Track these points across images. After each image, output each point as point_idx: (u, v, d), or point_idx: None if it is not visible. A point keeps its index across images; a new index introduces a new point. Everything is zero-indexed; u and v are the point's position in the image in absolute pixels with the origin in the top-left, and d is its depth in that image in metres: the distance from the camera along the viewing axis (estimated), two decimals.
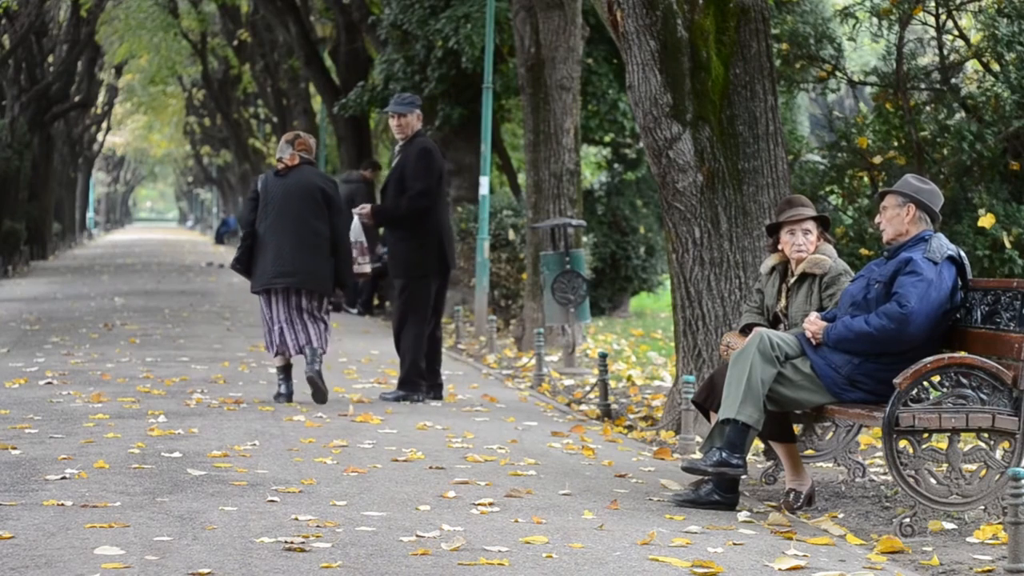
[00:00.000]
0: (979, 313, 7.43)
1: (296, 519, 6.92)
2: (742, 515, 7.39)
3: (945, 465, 7.08)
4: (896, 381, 7.08)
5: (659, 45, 9.84)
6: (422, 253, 11.69)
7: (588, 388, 12.80)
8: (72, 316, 20.73)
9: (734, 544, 6.66)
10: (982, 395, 7.09)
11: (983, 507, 7.14)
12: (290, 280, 11.36)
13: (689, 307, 10.00)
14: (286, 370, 11.60)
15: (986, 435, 7.12)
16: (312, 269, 11.39)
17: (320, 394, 11.40)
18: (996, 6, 11.87)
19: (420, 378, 11.81)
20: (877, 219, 7.78)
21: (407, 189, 11.62)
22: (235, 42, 41.60)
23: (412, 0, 21.71)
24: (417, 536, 6.61)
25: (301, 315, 11.49)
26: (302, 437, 9.63)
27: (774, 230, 8.32)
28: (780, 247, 8.26)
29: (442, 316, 12.09)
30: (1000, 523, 6.96)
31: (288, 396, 11.52)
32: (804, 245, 8.15)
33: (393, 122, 11.83)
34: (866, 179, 12.29)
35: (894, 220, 7.65)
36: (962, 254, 7.57)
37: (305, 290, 11.44)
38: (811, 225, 8.18)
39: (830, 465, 8.79)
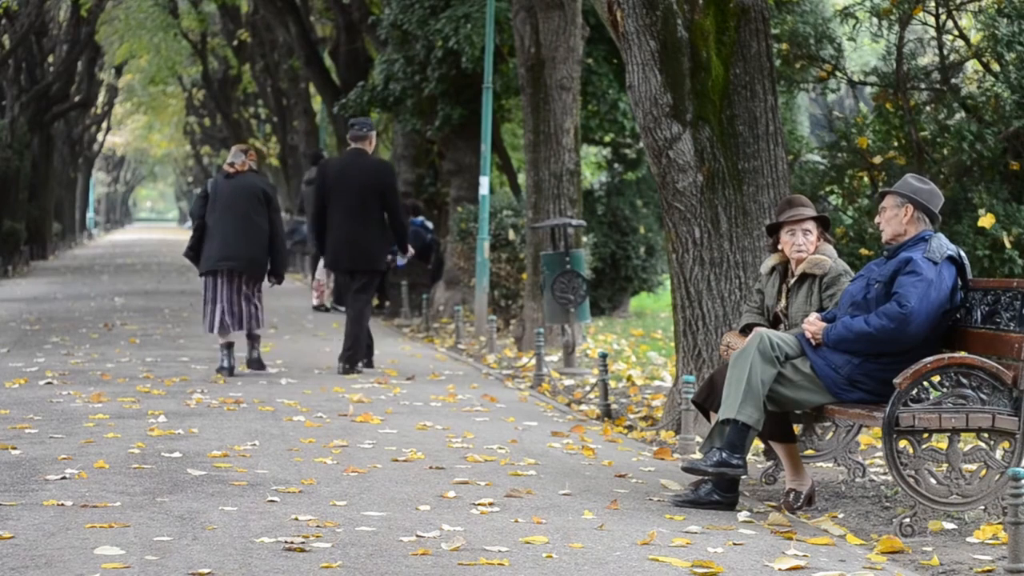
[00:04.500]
0: (979, 313, 7.42)
1: (296, 519, 6.92)
2: (742, 515, 7.39)
3: (945, 465, 7.07)
4: (896, 381, 7.07)
5: (659, 45, 9.83)
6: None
7: (588, 388, 12.80)
8: (72, 316, 20.73)
9: (734, 544, 6.66)
10: (982, 395, 7.08)
11: (983, 507, 7.13)
12: (233, 264, 13.27)
13: (689, 307, 10.00)
14: (228, 347, 13.37)
15: (986, 435, 7.11)
16: (251, 256, 13.31)
17: (259, 369, 13.67)
18: (996, 6, 11.86)
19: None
20: (877, 219, 7.79)
21: None
22: (235, 42, 41.58)
23: (412, 0, 21.69)
24: (417, 536, 6.61)
25: (240, 297, 13.38)
26: (302, 437, 9.63)
27: (774, 230, 8.32)
28: (780, 247, 8.25)
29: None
30: (1000, 523, 6.96)
31: (230, 370, 13.29)
32: (804, 245, 8.14)
33: None
34: (866, 179, 12.28)
35: (892, 220, 7.65)
36: (962, 254, 7.57)
37: (245, 275, 13.35)
38: (811, 225, 8.18)
39: (830, 465, 8.78)
